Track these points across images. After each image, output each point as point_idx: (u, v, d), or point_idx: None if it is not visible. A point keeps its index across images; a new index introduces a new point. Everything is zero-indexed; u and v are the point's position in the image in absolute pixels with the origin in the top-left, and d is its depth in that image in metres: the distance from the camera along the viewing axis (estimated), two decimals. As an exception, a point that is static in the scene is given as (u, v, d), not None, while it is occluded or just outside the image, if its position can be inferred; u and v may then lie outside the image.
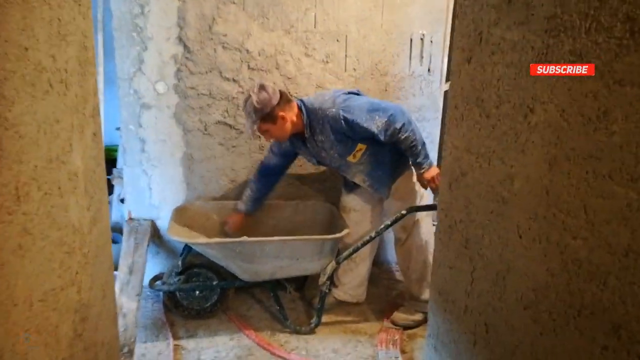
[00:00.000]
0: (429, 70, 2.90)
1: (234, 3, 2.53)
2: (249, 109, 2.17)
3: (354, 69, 2.79)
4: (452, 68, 1.56)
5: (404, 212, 2.24)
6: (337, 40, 2.71)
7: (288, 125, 2.24)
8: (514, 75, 1.26)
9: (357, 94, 2.31)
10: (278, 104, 2.18)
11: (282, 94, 2.23)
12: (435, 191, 2.33)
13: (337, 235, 2.28)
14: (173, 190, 2.75)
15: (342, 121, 2.16)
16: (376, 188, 2.40)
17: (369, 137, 2.21)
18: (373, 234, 2.29)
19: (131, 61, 2.49)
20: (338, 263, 2.34)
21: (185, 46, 2.53)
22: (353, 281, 2.64)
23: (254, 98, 2.15)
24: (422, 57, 2.86)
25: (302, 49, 2.68)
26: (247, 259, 2.23)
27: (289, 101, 2.25)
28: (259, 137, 2.70)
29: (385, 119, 2.15)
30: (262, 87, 2.18)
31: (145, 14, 2.44)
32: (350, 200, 2.57)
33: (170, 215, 2.47)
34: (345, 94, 2.26)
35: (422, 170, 2.26)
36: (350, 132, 2.20)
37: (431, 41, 2.85)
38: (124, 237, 2.61)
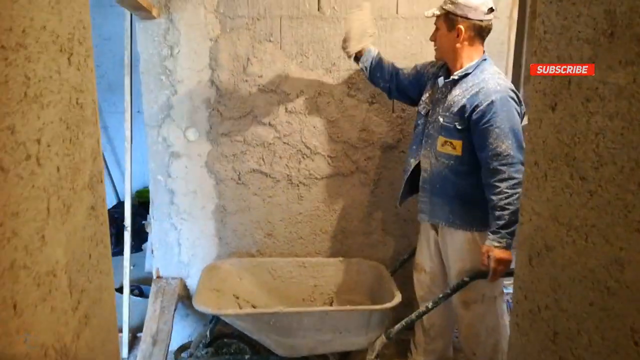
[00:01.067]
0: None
1: (270, 41, 2.37)
2: None
3: (403, 109, 2.55)
4: (530, 115, 1.29)
5: (466, 278, 1.94)
6: (384, 79, 2.49)
7: (452, 47, 1.97)
8: (621, 129, 0.98)
9: (520, 105, 1.96)
10: (472, 26, 1.92)
11: (484, 28, 1.95)
12: (493, 277, 1.91)
13: (388, 305, 2.00)
14: (204, 246, 2.56)
15: (488, 104, 1.85)
16: (423, 209, 2.11)
17: (473, 149, 1.91)
18: (430, 305, 1.99)
19: (160, 107, 2.36)
20: (389, 338, 2.04)
21: (217, 89, 2.38)
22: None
23: None
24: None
25: (344, 89, 2.48)
26: (283, 332, 1.98)
27: (479, 39, 1.98)
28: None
29: (509, 153, 1.82)
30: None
31: (175, 56, 2.31)
32: (425, 259, 2.25)
33: (199, 278, 2.26)
34: (517, 96, 1.92)
35: (498, 245, 1.86)
36: (473, 126, 1.88)
37: (491, 76, 2.58)
38: (150, 299, 2.43)
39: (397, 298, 2.04)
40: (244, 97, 2.40)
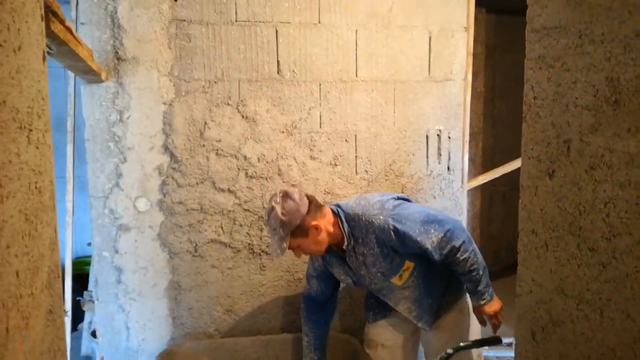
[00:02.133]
0: (448, 168, 2.64)
1: (228, 105, 2.28)
2: (273, 223, 1.83)
3: (366, 171, 2.52)
4: (523, 182, 1.27)
5: (449, 350, 1.85)
6: (346, 141, 2.46)
7: (323, 236, 1.88)
8: (636, 198, 0.95)
9: (408, 200, 2.01)
10: (308, 212, 1.85)
11: (310, 199, 1.90)
12: (496, 328, 1.96)
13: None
14: (156, 329, 2.33)
15: (392, 232, 1.83)
16: (424, 319, 2.03)
17: (419, 255, 1.89)
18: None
19: (107, 176, 2.18)
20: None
21: (172, 155, 2.24)
22: None
23: (279, 210, 1.82)
24: (440, 155, 2.62)
25: (307, 152, 2.42)
26: None
27: (320, 207, 1.92)
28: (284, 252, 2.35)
29: (442, 234, 1.84)
30: (286, 195, 1.85)
31: (125, 121, 2.17)
32: (378, 333, 2.17)
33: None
34: (395, 199, 1.95)
35: (483, 302, 1.90)
36: (398, 246, 1.87)
37: (449, 137, 2.62)
38: (93, 395, 2.14)
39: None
40: (201, 163, 2.28)
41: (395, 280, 1.95)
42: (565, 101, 1.10)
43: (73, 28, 1.42)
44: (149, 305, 2.30)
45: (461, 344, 1.90)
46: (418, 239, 1.82)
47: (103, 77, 2.06)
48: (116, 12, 2.12)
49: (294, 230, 1.83)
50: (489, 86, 4.41)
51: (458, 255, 1.85)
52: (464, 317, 2.04)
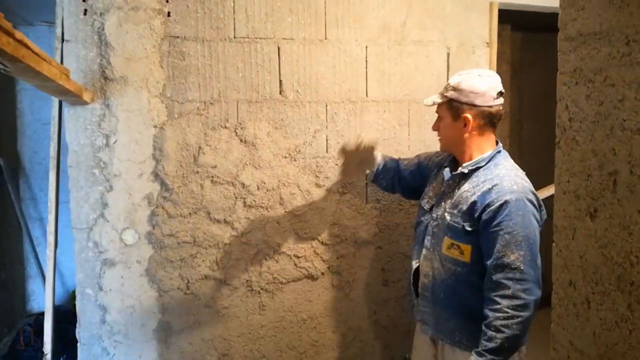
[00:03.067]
0: (471, 196, 2.42)
1: (225, 127, 2.12)
2: (452, 83, 1.74)
3: (378, 200, 2.32)
4: (557, 222, 1.05)
5: None
6: (356, 167, 2.27)
7: (459, 137, 1.76)
8: None
9: (538, 210, 1.70)
10: (480, 113, 1.71)
11: (494, 115, 1.74)
12: None
13: None
14: (143, 374, 2.14)
15: (500, 205, 1.59)
16: (438, 319, 1.77)
17: (483, 254, 1.65)
18: None
19: (91, 206, 2.03)
20: None
21: (162, 183, 2.08)
22: None
23: (469, 80, 1.71)
24: (461, 181, 2.40)
25: (312, 179, 2.23)
26: None
27: (489, 128, 1.75)
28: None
29: (522, 270, 1.55)
30: (490, 76, 1.75)
31: (111, 146, 2.03)
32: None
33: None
34: (535, 198, 1.67)
35: None
36: (482, 228, 1.63)
37: (471, 161, 2.41)
38: None
39: None
40: (195, 192, 2.11)
41: (446, 242, 1.72)
42: (610, 123, 0.89)
43: (38, 46, 1.28)
44: (136, 348, 2.12)
45: None
46: (502, 235, 1.57)
47: (87, 98, 1.92)
48: (103, 29, 1.99)
49: (454, 101, 1.72)
50: (515, 107, 4.19)
51: (503, 302, 1.54)
52: None
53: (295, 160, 2.21)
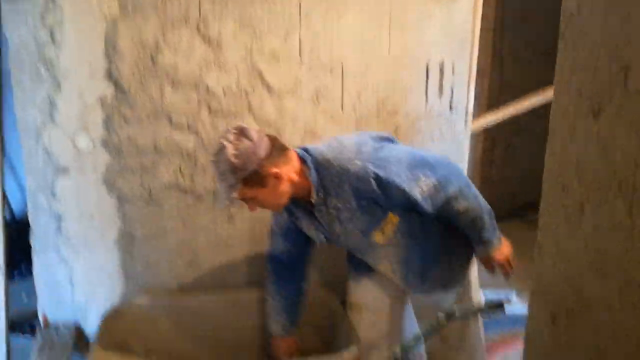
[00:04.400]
0: (450, 107, 2.33)
1: (186, 25, 1.93)
2: (222, 166, 1.52)
3: (355, 108, 2.21)
4: (554, 122, 0.97)
5: (443, 321, 1.62)
6: (331, 72, 2.13)
7: (285, 187, 1.59)
8: None
9: (391, 141, 1.71)
10: (268, 156, 1.54)
11: (272, 140, 1.59)
12: (507, 276, 1.75)
13: (343, 356, 1.65)
14: (106, 284, 2.10)
15: (373, 180, 1.53)
16: (411, 281, 1.78)
17: (407, 207, 1.61)
18: (398, 354, 1.65)
19: (38, 107, 1.86)
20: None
21: (117, 84, 1.92)
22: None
23: (230, 150, 1.50)
24: (441, 91, 2.30)
25: (285, 83, 2.08)
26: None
27: (284, 150, 1.60)
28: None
29: (434, 181, 1.56)
30: (242, 132, 1.53)
31: (57, 43, 1.83)
32: (362, 294, 1.94)
33: (95, 332, 1.79)
34: (375, 139, 1.64)
35: (492, 249, 1.67)
36: (381, 198, 1.57)
37: (453, 71, 2.29)
38: (34, 357, 1.92)
39: (355, 344, 1.69)
40: (154, 95, 1.96)
41: (377, 236, 1.68)
42: (627, 9, 0.79)
43: None
44: (97, 258, 2.06)
45: (456, 311, 1.67)
46: (405, 188, 1.53)
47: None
48: None
49: (248, 177, 1.52)
50: (498, 18, 4.02)
51: (455, 206, 1.59)
52: (468, 294, 1.81)
53: (266, 62, 2.05)
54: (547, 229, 1.01)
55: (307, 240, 1.88)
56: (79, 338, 2.09)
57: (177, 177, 2.06)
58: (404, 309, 2.00)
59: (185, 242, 2.14)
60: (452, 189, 1.56)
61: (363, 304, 1.93)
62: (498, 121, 2.66)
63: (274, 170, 1.55)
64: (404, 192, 1.53)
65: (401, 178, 1.52)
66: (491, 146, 4.35)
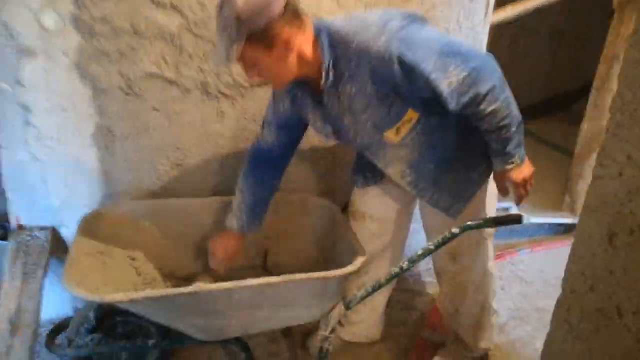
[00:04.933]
0: (470, -6, 2.07)
1: None
2: (227, 16, 1.29)
3: (363, -8, 1.94)
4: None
5: (455, 230, 1.50)
6: (338, -55, 1.83)
7: (293, 60, 1.38)
8: None
9: (422, 21, 1.43)
10: (282, 15, 1.30)
11: (288, 1, 1.33)
12: (521, 199, 1.59)
13: (350, 269, 1.53)
14: (83, 184, 1.93)
15: (397, 64, 1.31)
16: (422, 188, 1.61)
17: (429, 101, 1.40)
18: (404, 265, 1.55)
19: (-9, -27, 1.56)
20: (348, 308, 1.60)
21: (86, -52, 1.61)
22: (368, 319, 1.95)
23: (237, 5, 1.27)
24: (462, -26, 2.03)
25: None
26: (205, 314, 1.48)
27: (298, 16, 1.36)
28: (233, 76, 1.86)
29: (466, 74, 1.33)
30: None
31: None
32: (366, 202, 1.80)
33: (74, 236, 1.64)
34: (404, 18, 1.38)
35: (510, 167, 1.49)
36: (403, 87, 1.35)
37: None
38: (6, 263, 1.79)
39: (361, 257, 1.58)
40: (131, -37, 1.66)
41: (391, 134, 1.49)
42: None
43: None
44: (72, 155, 1.86)
45: (469, 222, 1.55)
46: (432, 77, 1.31)
47: None
48: None
49: (254, 34, 1.29)
50: None
51: (483, 107, 1.37)
52: (481, 205, 1.67)
53: None
54: (617, 132, 0.84)
55: (301, 135, 1.71)
56: (57, 242, 1.96)
57: (160, 66, 1.82)
58: (409, 220, 1.88)
59: (171, 141, 1.95)
60: (483, 86, 1.34)
61: (367, 212, 1.80)
62: (521, 14, 2.40)
63: (285, 34, 1.32)
64: (429, 82, 1.32)
65: (429, 65, 1.30)
66: (495, 45, 4.12)
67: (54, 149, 1.83)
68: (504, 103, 1.37)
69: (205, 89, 1.90)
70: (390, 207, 1.77)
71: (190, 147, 1.99)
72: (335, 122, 1.53)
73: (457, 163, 1.58)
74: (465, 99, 1.35)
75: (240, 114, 1.99)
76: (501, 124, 1.40)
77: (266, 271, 1.94)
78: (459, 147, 1.55)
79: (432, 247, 1.54)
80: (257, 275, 1.81)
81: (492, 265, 1.80)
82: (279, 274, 1.86)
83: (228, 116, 1.97)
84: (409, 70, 1.31)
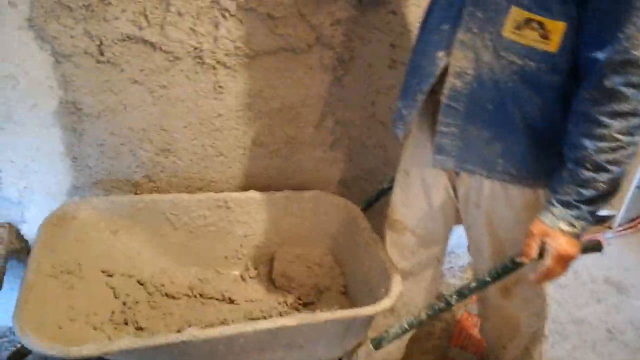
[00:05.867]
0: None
1: None
2: None
3: None
4: None
5: (518, 260, 1.17)
6: None
7: None
8: None
9: None
10: None
11: None
12: (544, 279, 1.14)
13: (382, 306, 1.22)
14: (46, 172, 1.56)
15: None
16: (461, 145, 1.22)
17: (576, 36, 1.01)
18: (452, 300, 1.23)
19: None
20: (378, 347, 1.29)
21: None
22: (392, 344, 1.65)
23: None
24: None
25: None
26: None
27: None
28: None
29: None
30: None
31: None
32: (409, 214, 1.45)
33: (33, 244, 1.30)
34: None
35: (568, 228, 1.06)
36: None
37: None
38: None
39: (397, 286, 1.25)
40: None
41: (515, 15, 1.03)
42: None
43: None
44: (30, 136, 1.49)
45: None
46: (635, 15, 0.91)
47: None
48: None
49: None
50: None
51: (613, 123, 0.97)
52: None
53: None
54: None
55: None
56: (15, 240, 1.62)
57: (140, 25, 1.42)
58: (449, 237, 1.53)
59: (155, 121, 1.58)
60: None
61: (409, 226, 1.44)
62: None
63: None
64: (632, 17, 0.91)
65: None
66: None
67: (3, 129, 1.45)
68: (631, 145, 0.99)
69: (199, 57, 1.51)
70: (434, 220, 1.42)
71: (179, 128, 1.62)
72: None
73: (538, 140, 1.15)
74: (616, 88, 0.96)
75: (243, 88, 1.61)
76: (606, 161, 1.00)
77: (272, 282, 1.63)
78: (550, 134, 1.13)
79: (489, 279, 1.22)
80: (262, 287, 1.52)
81: (548, 295, 1.48)
82: (286, 285, 1.58)
83: (228, 91, 1.59)
84: None
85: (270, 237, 1.67)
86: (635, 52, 0.93)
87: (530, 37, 1.04)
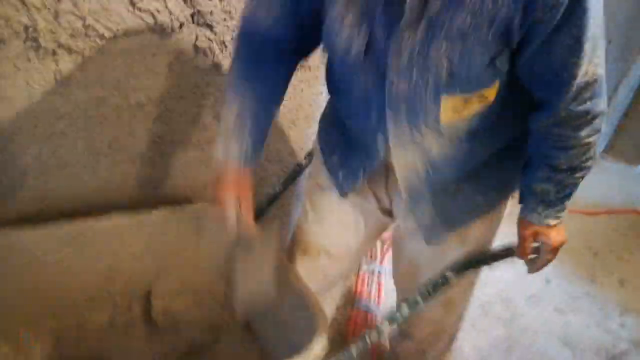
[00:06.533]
0: None
1: None
2: None
3: None
4: None
5: (449, 274, 1.10)
6: None
7: None
8: None
9: None
10: None
11: None
12: (538, 267, 1.18)
13: (311, 356, 1.03)
14: None
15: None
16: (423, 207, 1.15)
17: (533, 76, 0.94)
18: (382, 326, 1.10)
19: None
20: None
21: None
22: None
23: None
24: None
25: None
26: None
27: None
28: None
29: (600, 74, 0.91)
30: None
31: None
32: (326, 232, 1.27)
33: None
34: None
35: (556, 222, 1.09)
36: (520, 27, 0.83)
37: None
38: None
39: (323, 333, 1.07)
40: None
41: (451, 103, 0.93)
42: None
43: None
44: None
45: (469, 260, 1.18)
46: (584, 45, 0.85)
47: None
48: None
49: None
50: None
51: (585, 132, 0.97)
52: (494, 229, 1.25)
53: None
54: None
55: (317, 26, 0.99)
56: None
57: None
58: (366, 253, 1.40)
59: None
60: (602, 104, 0.95)
61: (324, 247, 1.25)
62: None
63: None
64: (574, 50, 0.86)
65: (589, 31, 0.85)
66: None
67: None
68: (595, 143, 1.00)
69: (34, 39, 1.09)
70: (355, 236, 1.25)
71: (14, 129, 1.19)
72: (387, 30, 0.88)
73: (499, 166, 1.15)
74: (579, 110, 0.94)
75: (96, 79, 1.23)
76: (583, 165, 1.02)
77: (151, 323, 1.32)
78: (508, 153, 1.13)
79: (427, 293, 1.13)
80: (138, 332, 1.24)
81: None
82: (171, 325, 1.30)
83: (74, 83, 1.20)
84: (570, 13, 0.81)
85: (142, 268, 1.34)
86: (586, 77, 0.90)
87: (471, 108, 0.95)
